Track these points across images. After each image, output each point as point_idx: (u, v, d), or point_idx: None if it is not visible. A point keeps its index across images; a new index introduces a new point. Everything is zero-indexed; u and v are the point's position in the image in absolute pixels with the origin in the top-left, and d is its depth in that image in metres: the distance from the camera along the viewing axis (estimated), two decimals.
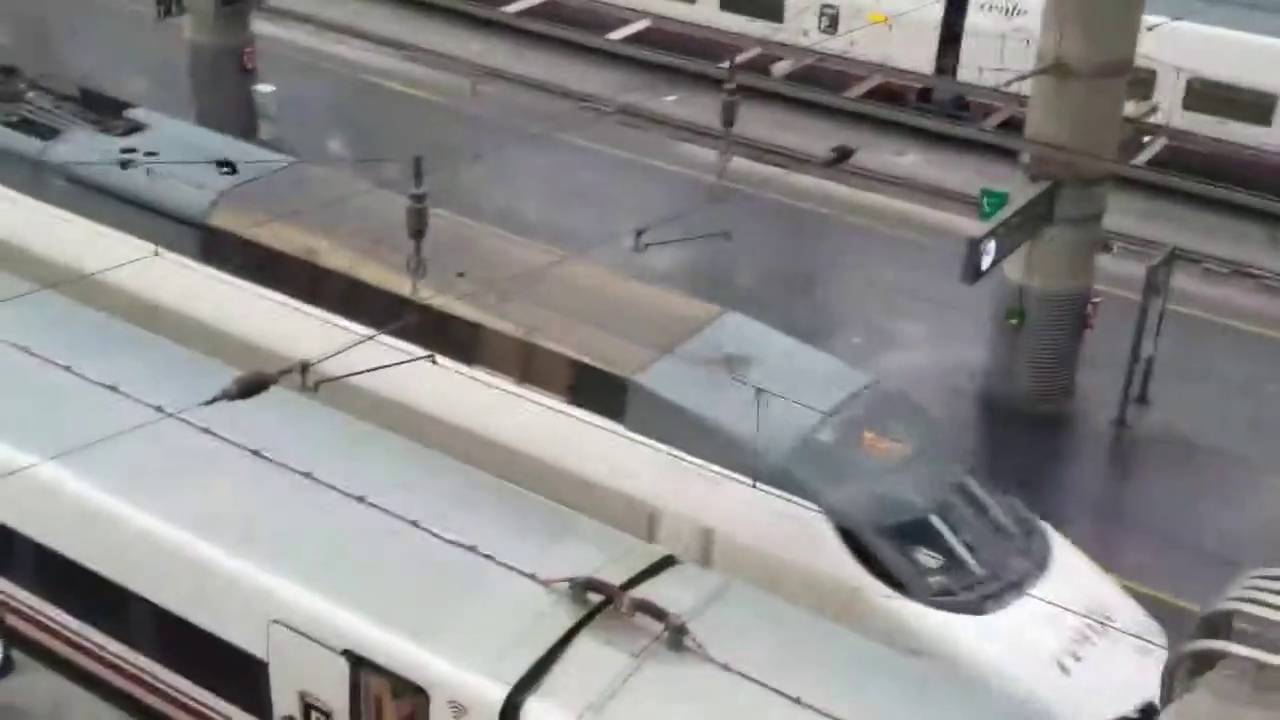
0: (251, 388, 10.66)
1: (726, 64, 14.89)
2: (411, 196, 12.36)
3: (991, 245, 15.80)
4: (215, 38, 24.02)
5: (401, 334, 13.60)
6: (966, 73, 26.19)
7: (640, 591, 11.37)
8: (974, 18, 25.84)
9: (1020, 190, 17.05)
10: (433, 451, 13.45)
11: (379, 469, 12.94)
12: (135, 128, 18.27)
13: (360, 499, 12.33)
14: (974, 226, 17.48)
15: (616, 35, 28.75)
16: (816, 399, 13.68)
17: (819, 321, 19.54)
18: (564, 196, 23.01)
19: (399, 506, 12.23)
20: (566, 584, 11.30)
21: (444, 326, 14.45)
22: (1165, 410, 18.53)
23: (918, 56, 26.56)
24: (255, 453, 12.84)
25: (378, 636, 11.30)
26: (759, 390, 13.31)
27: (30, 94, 19.22)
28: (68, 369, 13.97)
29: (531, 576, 11.48)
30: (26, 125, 18.40)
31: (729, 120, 13.49)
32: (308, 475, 12.60)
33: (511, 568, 11.59)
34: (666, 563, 12.04)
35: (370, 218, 15.84)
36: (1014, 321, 17.79)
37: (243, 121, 24.29)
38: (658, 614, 10.94)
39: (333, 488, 12.47)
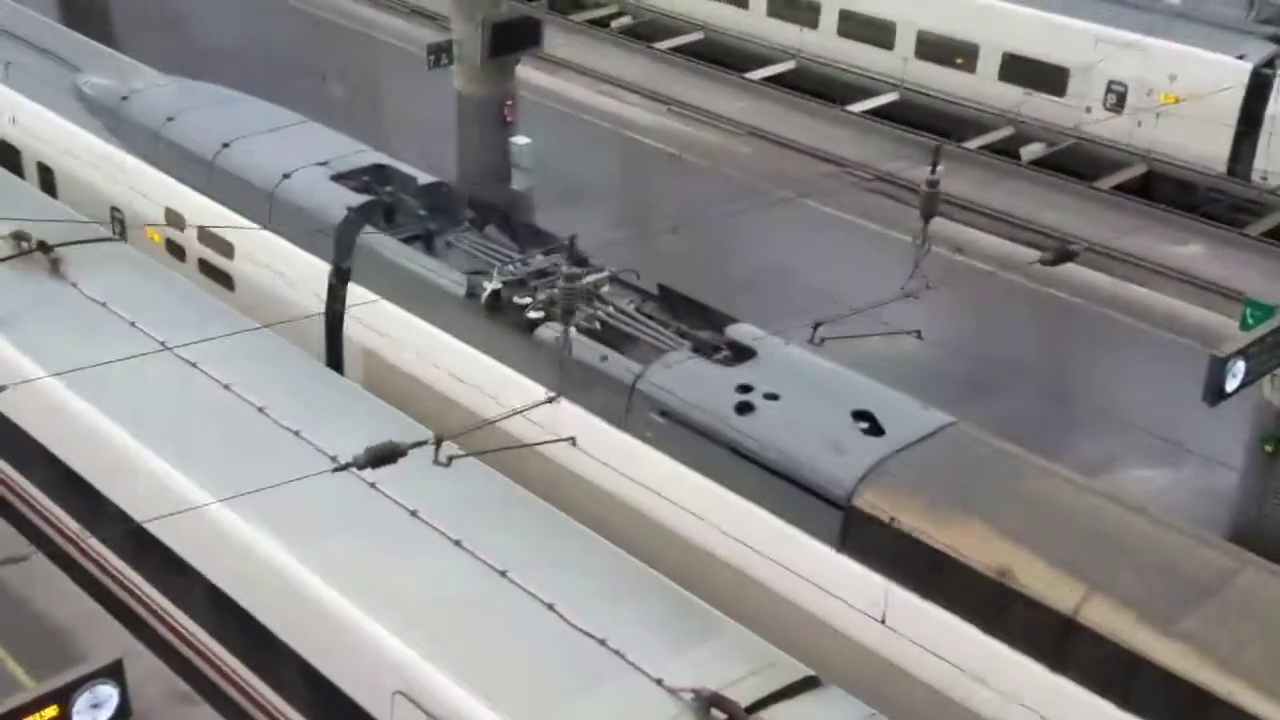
0: (382, 458, 10.54)
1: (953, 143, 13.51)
2: (564, 275, 11.94)
3: (1240, 365, 14.17)
4: (480, 88, 24.48)
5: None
6: (1267, 166, 24.11)
7: (772, 713, 10.64)
8: (1278, 106, 23.74)
9: None
10: (583, 528, 13.01)
11: (528, 542, 12.63)
12: (744, 352, 14.55)
13: (503, 573, 12.02)
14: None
15: (860, 107, 27.85)
16: None
17: (1049, 422, 18.13)
18: (794, 269, 22.20)
19: (539, 586, 11.86)
20: (692, 695, 10.65)
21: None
22: None
23: (1209, 145, 24.53)
24: (413, 514, 12.72)
25: None
26: None
27: (605, 288, 15.74)
28: (261, 410, 14.24)
29: (658, 682, 10.88)
30: (609, 337, 15.05)
31: (929, 212, 12.53)
32: (458, 543, 12.39)
33: (638, 668, 11.02)
34: (809, 684, 11.19)
35: (1083, 529, 12.22)
36: (1269, 449, 16.02)
37: (498, 172, 24.71)
38: None
39: (478, 558, 12.22)
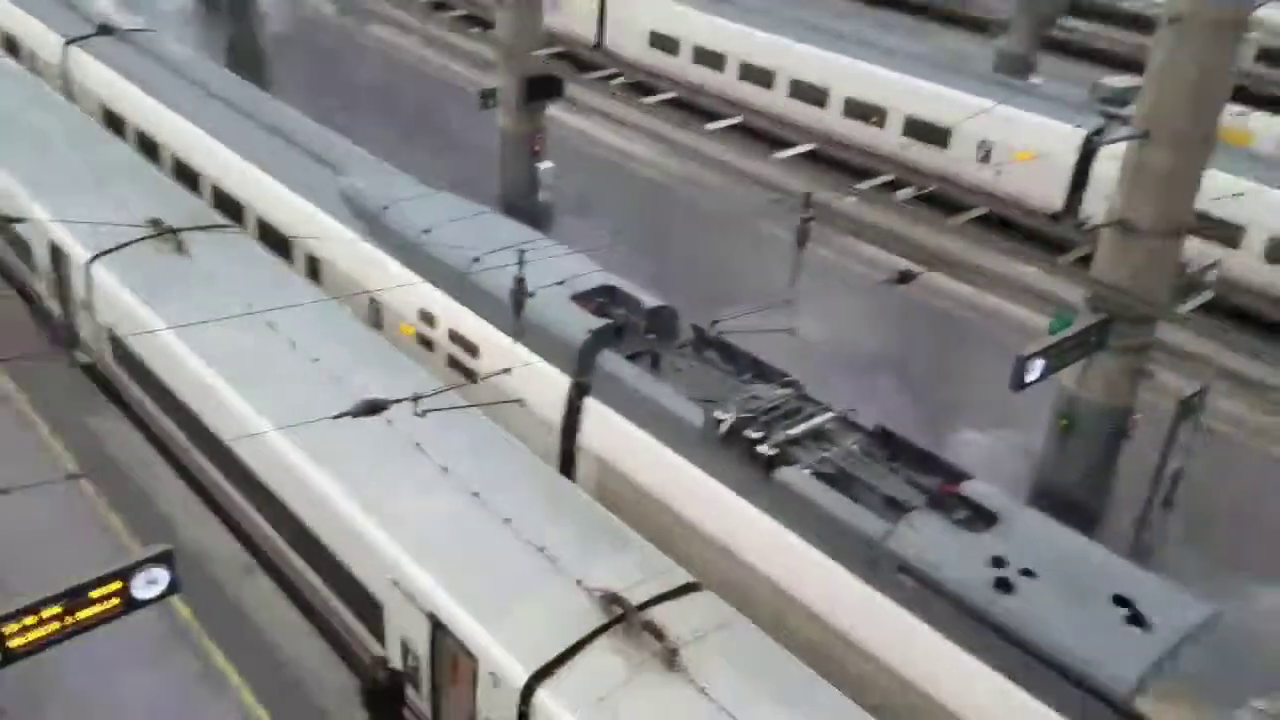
0: (371, 409, 10.15)
1: (803, 195, 12.67)
2: (515, 280, 11.37)
3: (1039, 363, 13.61)
4: (517, 125, 23.81)
5: None
6: (1089, 209, 23.31)
7: (658, 611, 10.27)
8: (1101, 166, 22.88)
9: (1081, 318, 14.69)
10: (541, 463, 12.59)
11: (496, 470, 12.19)
12: (985, 515, 11.25)
13: (475, 494, 11.65)
14: None
15: (785, 154, 27.07)
16: None
17: (902, 393, 17.41)
18: (728, 275, 21.39)
19: (501, 505, 11.49)
20: (599, 593, 10.28)
21: None
22: (1186, 515, 15.65)
23: (1050, 191, 23.77)
24: (417, 444, 12.34)
25: (452, 607, 10.61)
26: None
27: (829, 425, 12.48)
28: (315, 361, 13.84)
29: (577, 582, 10.52)
30: (842, 482, 11.77)
31: (802, 241, 11.97)
32: (444, 469, 12.01)
33: (564, 571, 10.66)
34: (690, 588, 10.79)
35: None
36: (1064, 424, 15.43)
37: (527, 190, 24.09)
38: (658, 634, 9.85)
39: (459, 481, 11.85)
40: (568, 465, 13.93)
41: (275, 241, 17.93)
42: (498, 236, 15.78)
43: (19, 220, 16.98)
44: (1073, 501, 15.40)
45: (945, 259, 22.14)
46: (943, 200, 25.22)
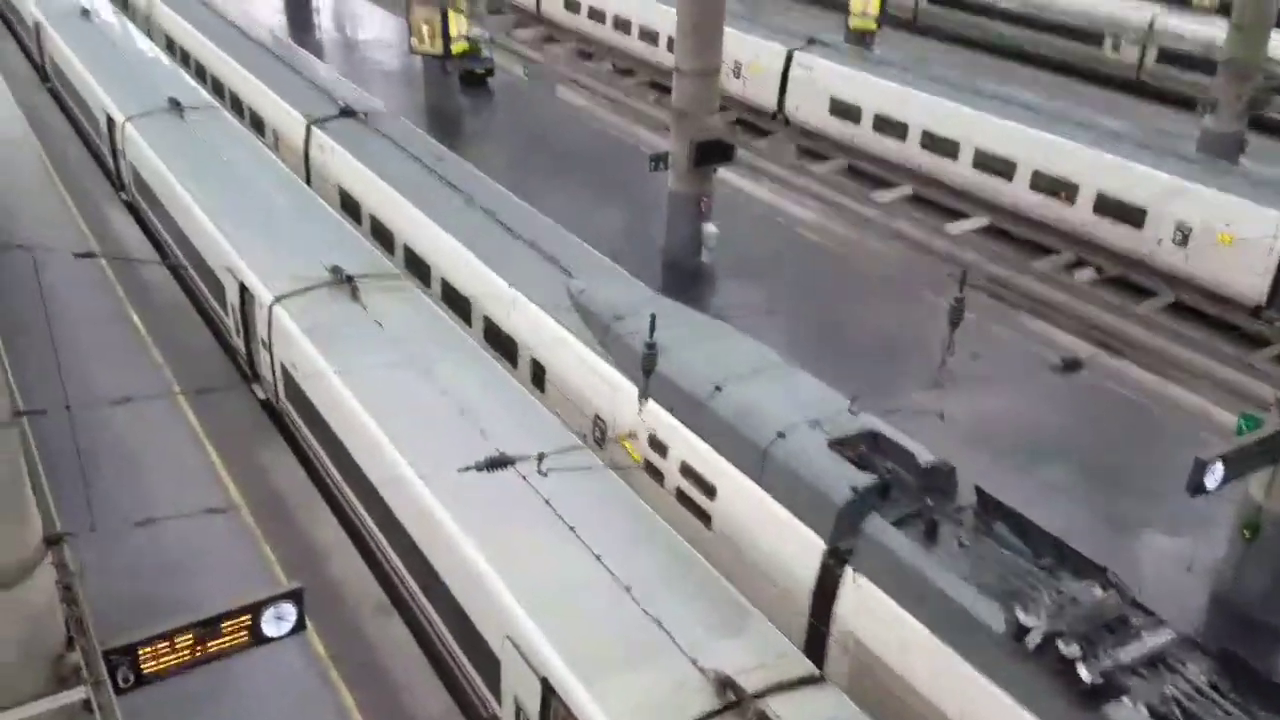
0: (496, 464, 10.25)
1: (959, 275, 11.94)
2: (645, 344, 11.24)
3: (1219, 468, 12.44)
4: (686, 187, 24.03)
5: None
6: None
7: (775, 701, 9.84)
8: None
9: (1271, 420, 13.38)
10: (670, 530, 12.35)
11: (622, 535, 12.09)
12: None
13: (598, 558, 11.55)
14: None
15: (957, 227, 26.18)
16: None
17: (1065, 486, 16.29)
18: (889, 347, 20.67)
19: (622, 571, 11.34)
20: (713, 675, 9.95)
21: None
22: None
23: (1252, 280, 21.96)
24: (547, 501, 12.37)
25: (565, 674, 10.49)
26: None
27: (1145, 632, 10.13)
28: (462, 412, 14.13)
29: (692, 661, 10.21)
30: None
31: (955, 321, 11.37)
32: (572, 529, 11.98)
33: (680, 648, 10.38)
34: (812, 680, 10.30)
35: None
36: (1247, 534, 14.03)
37: (692, 250, 24.21)
38: None
39: (584, 543, 11.78)
40: (815, 643, 11.95)
41: (501, 343, 17.12)
42: (739, 359, 13.89)
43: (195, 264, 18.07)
44: (1254, 620, 13.96)
45: (1129, 344, 20.80)
46: (1128, 283, 23.74)
